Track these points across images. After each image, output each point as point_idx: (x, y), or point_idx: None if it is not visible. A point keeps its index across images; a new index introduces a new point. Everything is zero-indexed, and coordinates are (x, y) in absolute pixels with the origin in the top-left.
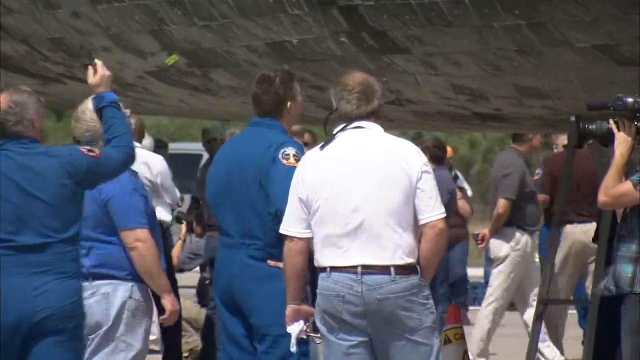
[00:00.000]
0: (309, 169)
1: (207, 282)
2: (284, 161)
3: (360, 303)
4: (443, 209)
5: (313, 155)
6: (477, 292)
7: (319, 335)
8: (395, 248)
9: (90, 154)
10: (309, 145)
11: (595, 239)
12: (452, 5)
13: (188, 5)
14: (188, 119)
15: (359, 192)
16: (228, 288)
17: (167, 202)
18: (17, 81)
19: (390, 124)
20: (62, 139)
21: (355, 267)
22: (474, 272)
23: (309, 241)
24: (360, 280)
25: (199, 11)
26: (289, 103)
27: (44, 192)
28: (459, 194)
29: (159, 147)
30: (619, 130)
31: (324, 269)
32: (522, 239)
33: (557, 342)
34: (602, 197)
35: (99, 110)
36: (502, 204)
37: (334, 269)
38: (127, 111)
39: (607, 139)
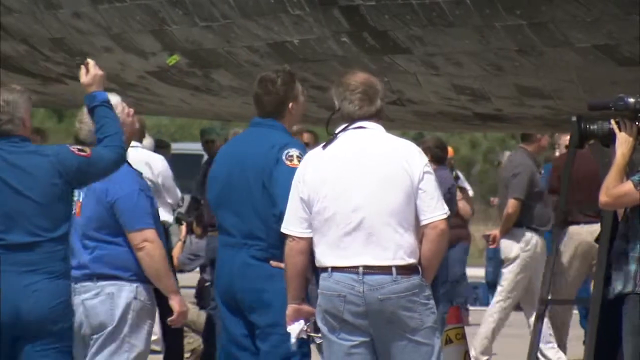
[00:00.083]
0: (311, 168)
1: (207, 283)
2: (288, 162)
3: (362, 303)
4: (446, 209)
5: (315, 155)
6: (477, 292)
7: (319, 335)
8: (396, 248)
9: (81, 153)
10: (309, 145)
11: (598, 240)
12: (453, 5)
13: (189, 5)
14: (189, 119)
15: (360, 192)
16: (229, 288)
17: (169, 202)
18: (17, 81)
19: (392, 124)
20: (63, 139)
21: (356, 267)
22: (475, 272)
23: (310, 241)
24: (361, 281)
25: (200, 11)
26: (290, 103)
27: (33, 191)
28: (460, 194)
29: (162, 147)
30: (620, 130)
31: (325, 269)
32: (532, 239)
33: (561, 343)
34: (603, 198)
35: (90, 110)
36: (511, 204)
37: (335, 269)
38: (131, 110)
39: (609, 139)
